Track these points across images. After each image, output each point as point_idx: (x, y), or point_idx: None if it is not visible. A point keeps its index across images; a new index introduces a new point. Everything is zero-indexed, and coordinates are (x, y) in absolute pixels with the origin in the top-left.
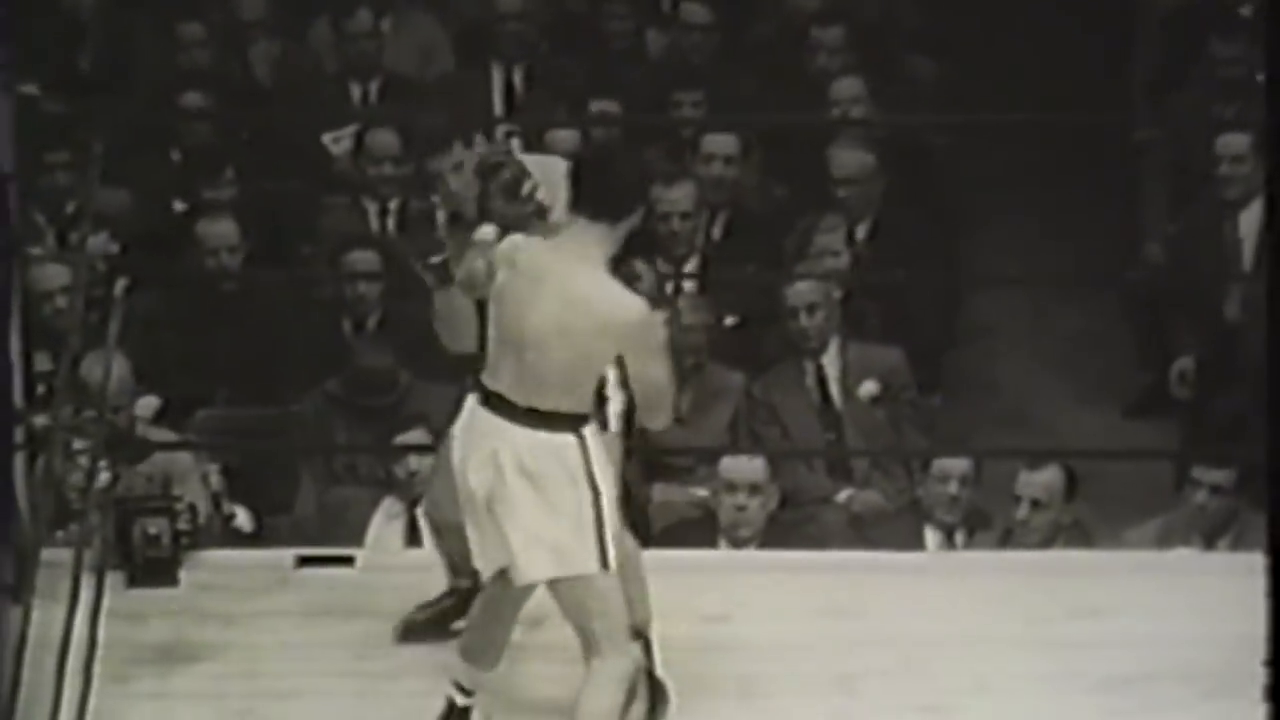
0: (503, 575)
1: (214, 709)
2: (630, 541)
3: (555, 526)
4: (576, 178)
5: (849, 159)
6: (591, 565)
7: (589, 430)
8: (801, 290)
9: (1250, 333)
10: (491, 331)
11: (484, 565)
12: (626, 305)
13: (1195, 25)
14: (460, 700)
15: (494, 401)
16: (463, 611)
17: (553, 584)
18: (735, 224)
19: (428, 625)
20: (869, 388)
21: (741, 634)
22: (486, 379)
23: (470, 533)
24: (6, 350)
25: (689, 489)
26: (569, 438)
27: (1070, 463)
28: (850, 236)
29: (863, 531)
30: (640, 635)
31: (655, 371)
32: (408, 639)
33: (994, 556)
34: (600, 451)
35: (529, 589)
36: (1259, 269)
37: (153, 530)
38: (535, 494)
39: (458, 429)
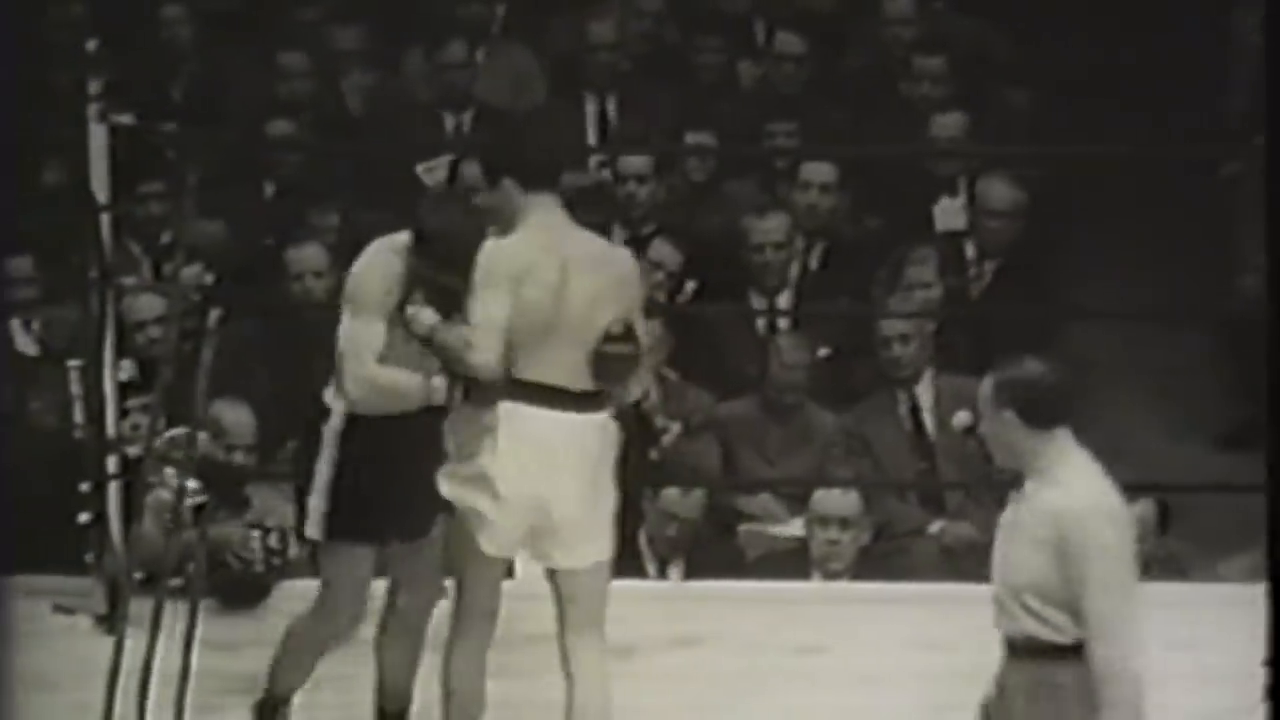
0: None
1: None
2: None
3: (603, 512)
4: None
5: (1002, 193)
6: (611, 549)
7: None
8: (894, 320)
9: None
10: (524, 325)
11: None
12: (627, 255)
13: None
14: None
15: (545, 396)
16: None
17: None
18: (830, 254)
19: None
20: (962, 418)
21: (834, 666)
22: (529, 375)
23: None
24: (100, 380)
25: (780, 526)
26: (608, 415)
27: (1163, 496)
28: (950, 268)
29: (955, 563)
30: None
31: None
32: None
33: None
34: None
35: None
36: None
37: (244, 548)
38: (591, 479)
39: (505, 441)
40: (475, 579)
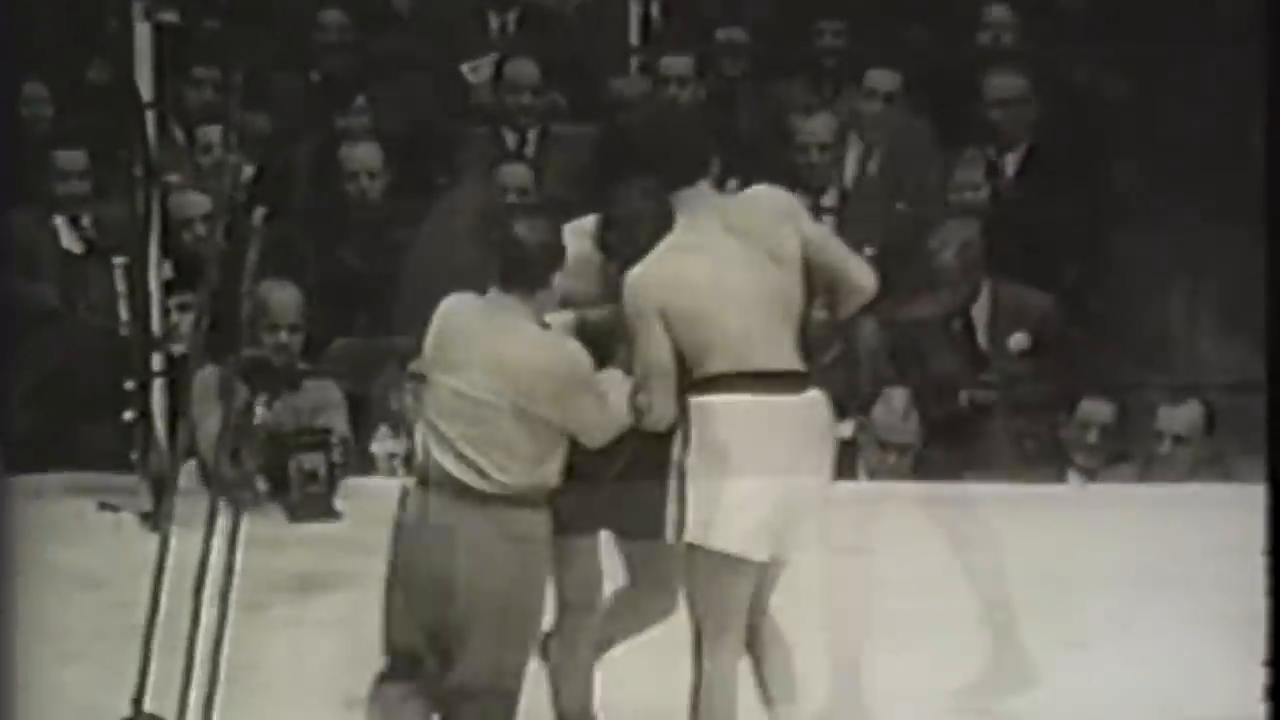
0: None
1: (348, 637)
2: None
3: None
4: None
5: (1002, 83)
6: None
7: None
8: (943, 235)
9: None
10: (688, 333)
11: None
12: (780, 193)
13: None
14: None
15: (748, 383)
16: None
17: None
18: (884, 158)
19: None
20: (1019, 340)
21: (881, 567)
22: (724, 367)
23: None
24: (146, 278)
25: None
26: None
27: (1209, 397)
28: (996, 165)
29: (1005, 463)
30: None
31: None
32: None
33: (1134, 490)
34: None
35: None
36: None
37: (309, 466)
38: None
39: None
40: (728, 586)
